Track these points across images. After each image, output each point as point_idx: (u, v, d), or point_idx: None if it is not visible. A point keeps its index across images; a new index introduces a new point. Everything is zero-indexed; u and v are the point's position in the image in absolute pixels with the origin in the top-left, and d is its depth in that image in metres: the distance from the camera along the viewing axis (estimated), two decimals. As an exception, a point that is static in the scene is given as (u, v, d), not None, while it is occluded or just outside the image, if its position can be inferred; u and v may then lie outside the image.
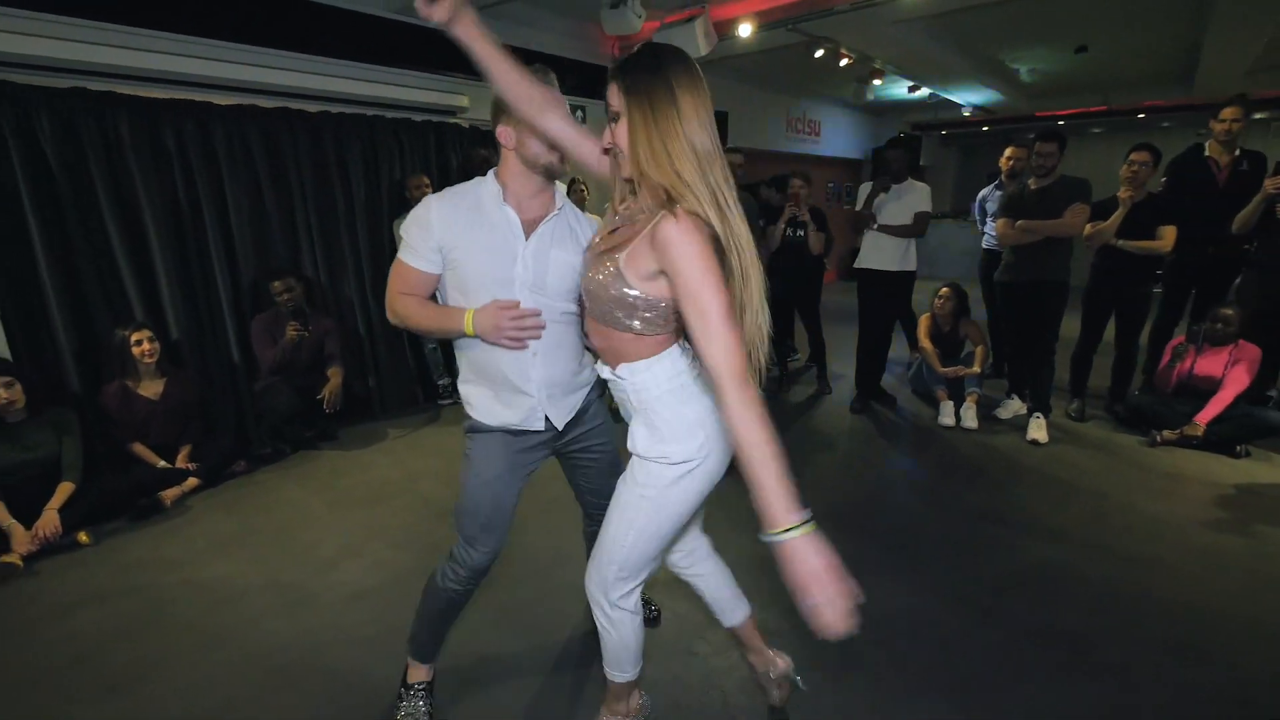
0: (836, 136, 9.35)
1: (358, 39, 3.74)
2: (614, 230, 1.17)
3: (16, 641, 1.99)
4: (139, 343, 2.88)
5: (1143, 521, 2.58)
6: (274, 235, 3.57)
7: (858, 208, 3.76)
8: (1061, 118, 8.46)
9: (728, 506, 2.75)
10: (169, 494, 2.83)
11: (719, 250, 1.02)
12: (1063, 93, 8.12)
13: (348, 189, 3.82)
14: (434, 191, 1.41)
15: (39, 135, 2.73)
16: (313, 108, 3.60)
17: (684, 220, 0.99)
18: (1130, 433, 3.49)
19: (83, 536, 2.54)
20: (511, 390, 1.41)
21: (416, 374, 4.20)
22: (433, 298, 1.42)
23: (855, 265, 3.85)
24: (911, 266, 3.74)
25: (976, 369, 3.78)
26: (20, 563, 2.35)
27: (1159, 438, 3.31)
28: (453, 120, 4.26)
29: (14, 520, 2.43)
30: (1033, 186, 3.35)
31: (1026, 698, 1.70)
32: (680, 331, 1.18)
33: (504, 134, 1.33)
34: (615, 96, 1.06)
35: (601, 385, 1.44)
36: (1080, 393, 3.76)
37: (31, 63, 2.70)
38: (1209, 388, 3.27)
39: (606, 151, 1.15)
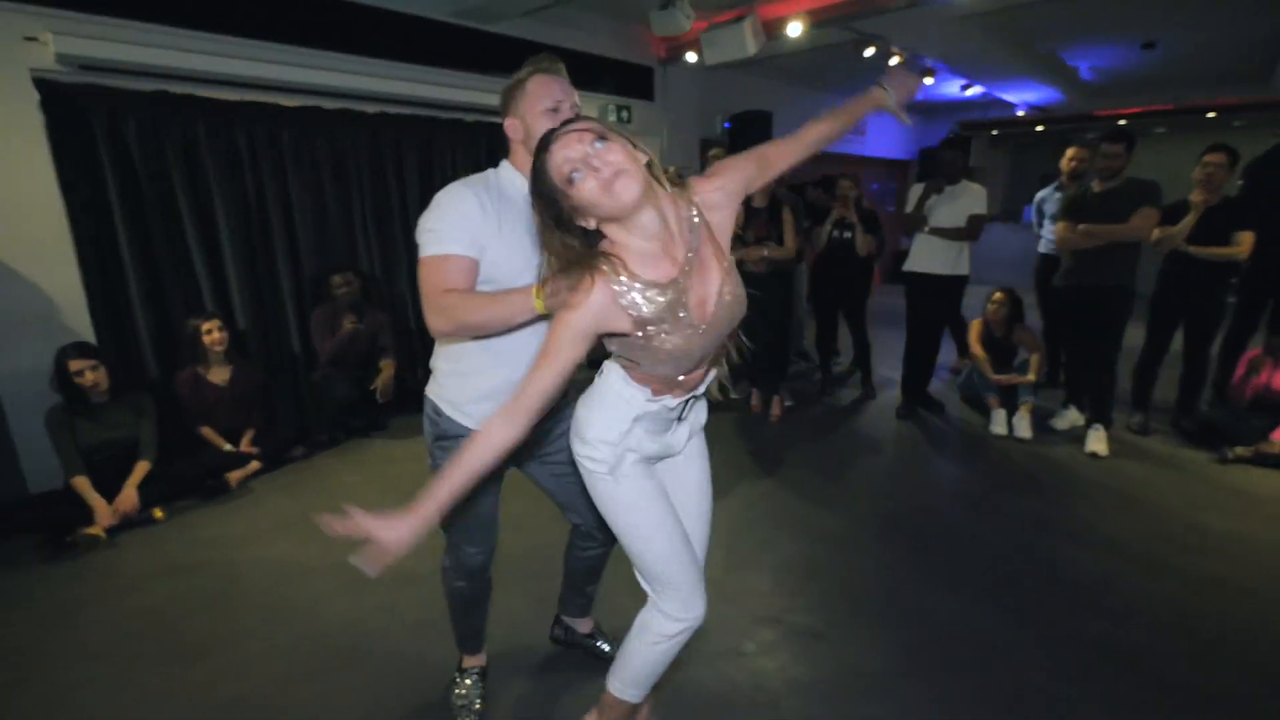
0: (882, 136, 9.17)
1: (415, 42, 3.86)
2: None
3: (101, 609, 2.13)
4: (209, 332, 3.04)
5: (1213, 541, 2.47)
6: (333, 232, 3.71)
7: (908, 209, 3.70)
8: (1124, 117, 8.11)
9: (771, 510, 2.75)
10: (234, 476, 2.98)
11: None
12: (1126, 91, 7.78)
13: (402, 188, 3.94)
14: None
15: (126, 136, 2.91)
16: (371, 109, 3.72)
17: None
18: (1198, 448, 3.33)
19: (157, 513, 2.70)
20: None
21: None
22: None
23: (904, 268, 3.78)
24: (964, 271, 3.65)
25: (1031, 377, 3.67)
26: (104, 535, 2.51)
27: (1231, 454, 3.15)
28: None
29: (98, 495, 2.59)
30: (1096, 189, 3.23)
31: (1090, 717, 1.65)
32: None
33: (512, 127, 1.34)
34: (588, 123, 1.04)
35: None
36: (1144, 405, 3.60)
37: (119, 68, 2.86)
38: (1287, 402, 3.10)
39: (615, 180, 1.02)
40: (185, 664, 1.86)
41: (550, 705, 1.71)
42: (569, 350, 1.05)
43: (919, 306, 3.79)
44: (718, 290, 1.11)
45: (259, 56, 3.24)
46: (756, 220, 3.60)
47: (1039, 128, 9.02)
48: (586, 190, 0.99)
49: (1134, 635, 1.93)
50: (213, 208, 3.20)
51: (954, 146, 3.64)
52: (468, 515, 1.44)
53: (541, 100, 1.29)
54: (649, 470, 1.26)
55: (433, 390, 1.44)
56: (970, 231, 3.54)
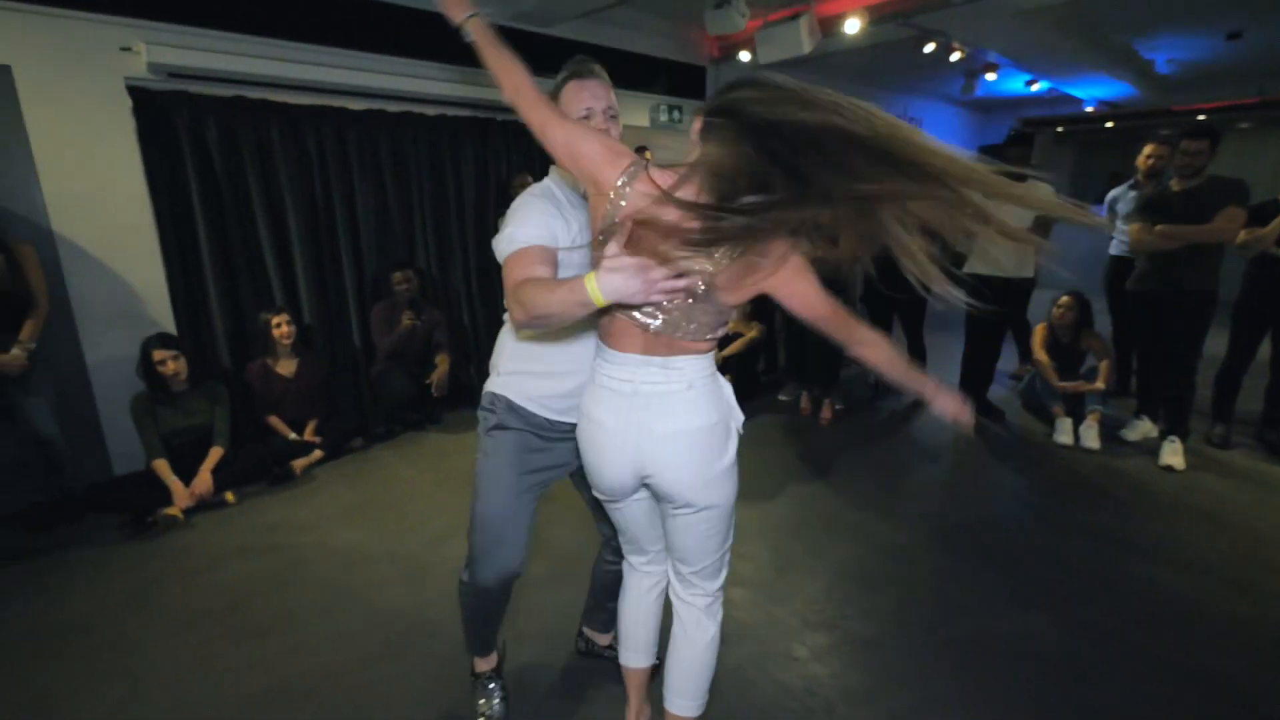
0: (938, 134, 8.86)
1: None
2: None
3: (178, 587, 2.25)
4: (279, 325, 3.18)
5: (1304, 563, 2.30)
6: (394, 230, 3.83)
7: (970, 209, 3.57)
8: (1204, 111, 7.63)
9: (822, 514, 2.70)
10: (299, 464, 3.11)
11: None
12: (1207, 83, 7.31)
13: (459, 188, 4.04)
14: None
15: (207, 139, 3.08)
16: (431, 111, 3.83)
17: None
18: (1286, 464, 3.12)
19: (229, 496, 2.84)
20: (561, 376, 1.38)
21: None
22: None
23: (963, 270, 3.65)
24: (1029, 273, 3.51)
25: (1100, 384, 3.49)
26: (181, 516, 2.67)
27: (1324, 471, 2.93)
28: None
29: (176, 478, 2.75)
30: (1176, 188, 3.05)
31: (1167, 742, 1.56)
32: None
33: None
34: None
35: None
36: (1225, 417, 3.39)
37: (202, 74, 3.03)
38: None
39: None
40: (254, 641, 1.96)
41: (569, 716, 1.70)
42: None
43: (979, 310, 3.65)
44: None
45: (328, 62, 3.37)
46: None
47: (1108, 124, 8.58)
48: None
49: (1223, 663, 1.82)
50: (284, 207, 3.35)
51: (1019, 143, 3.50)
52: (506, 526, 1.39)
53: (572, 108, 1.29)
54: None
55: (496, 385, 1.44)
56: (1039, 233, 3.39)
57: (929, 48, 5.04)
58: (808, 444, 3.50)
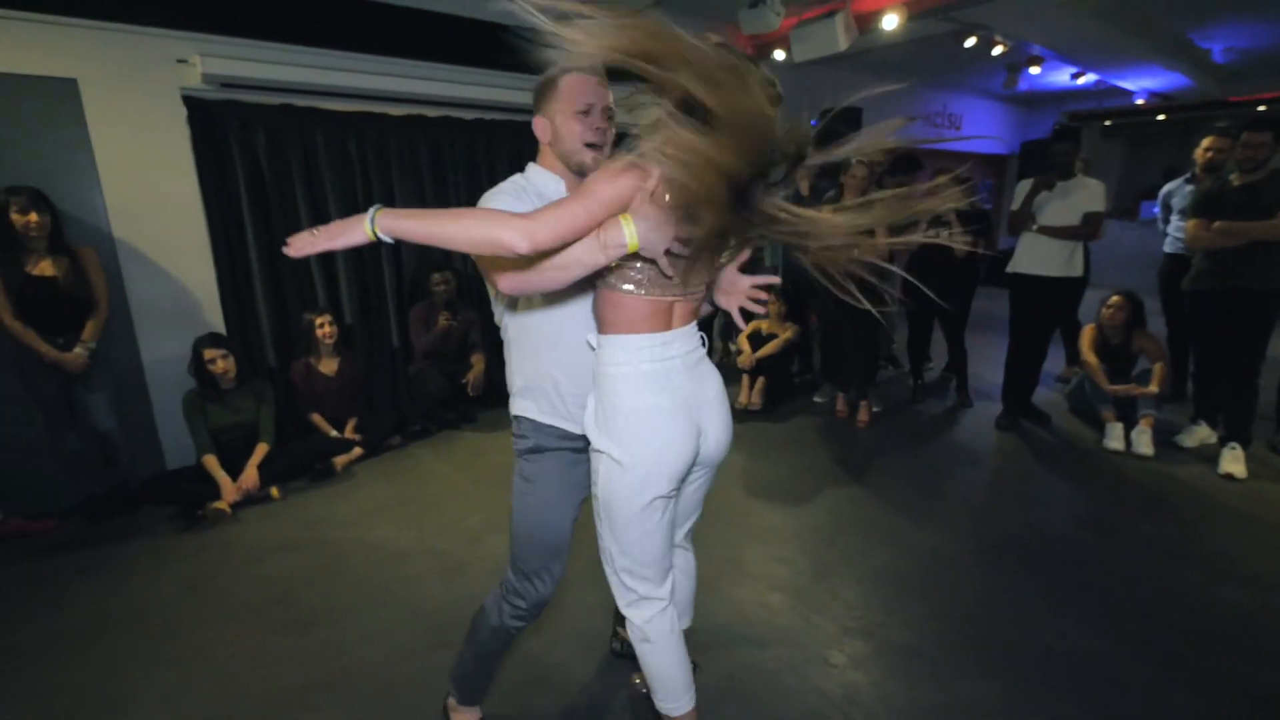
0: (979, 130, 8.65)
1: (510, 50, 3.99)
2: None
3: (225, 579, 2.33)
4: (322, 325, 3.27)
5: (1382, 579, 2.16)
6: (431, 233, 3.90)
7: (1014, 207, 3.46)
8: (1264, 102, 7.25)
9: (859, 519, 2.65)
10: (339, 460, 3.19)
11: None
12: (1268, 73, 6.96)
13: (494, 190, 4.10)
14: None
15: (256, 146, 3.18)
16: (469, 116, 3.89)
17: None
18: (1360, 474, 2.94)
19: (274, 491, 2.93)
20: (570, 381, 1.32)
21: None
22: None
23: (1009, 269, 3.54)
24: (1078, 272, 3.38)
25: (1154, 388, 3.34)
26: (229, 510, 2.76)
27: (1403, 482, 2.75)
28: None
29: (224, 473, 2.84)
30: (1236, 182, 2.91)
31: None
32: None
33: (541, 127, 1.29)
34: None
35: None
36: (1291, 422, 3.21)
37: (251, 84, 3.13)
38: None
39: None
40: (298, 633, 2.01)
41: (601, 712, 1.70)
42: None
43: (1025, 310, 3.53)
44: None
45: (370, 69, 3.46)
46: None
47: (1160, 116, 8.23)
48: None
49: (1287, 680, 1.72)
50: (327, 210, 3.45)
51: (1066, 138, 3.38)
52: (564, 543, 1.38)
53: (573, 101, 1.24)
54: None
55: (517, 407, 1.40)
56: (1088, 230, 3.27)
57: (970, 42, 4.92)
58: (844, 447, 3.44)
